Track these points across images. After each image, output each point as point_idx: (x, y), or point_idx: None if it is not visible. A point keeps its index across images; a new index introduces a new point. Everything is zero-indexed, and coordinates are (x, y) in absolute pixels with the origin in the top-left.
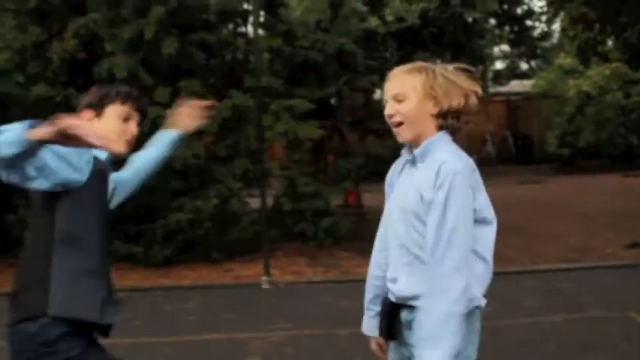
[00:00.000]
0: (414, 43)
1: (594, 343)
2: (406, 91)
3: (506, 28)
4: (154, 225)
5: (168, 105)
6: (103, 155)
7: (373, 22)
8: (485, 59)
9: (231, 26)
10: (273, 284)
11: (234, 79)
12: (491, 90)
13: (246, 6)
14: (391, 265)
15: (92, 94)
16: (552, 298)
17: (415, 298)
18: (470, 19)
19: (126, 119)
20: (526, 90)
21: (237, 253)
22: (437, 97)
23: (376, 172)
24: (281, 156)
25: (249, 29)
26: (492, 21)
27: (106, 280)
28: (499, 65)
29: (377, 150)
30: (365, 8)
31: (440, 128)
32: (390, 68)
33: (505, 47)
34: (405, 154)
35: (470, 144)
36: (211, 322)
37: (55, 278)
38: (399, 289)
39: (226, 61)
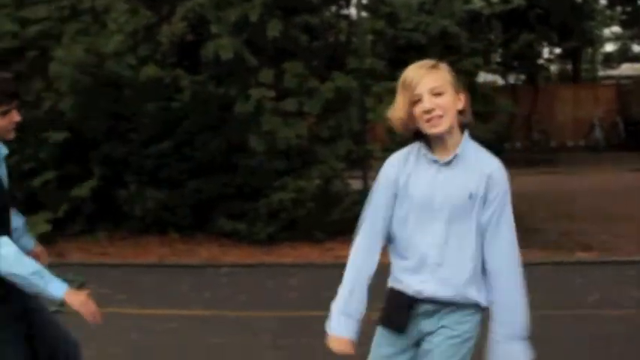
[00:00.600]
0: (520, 24)
1: None
2: (443, 85)
3: (618, 9)
4: (257, 204)
5: (272, 86)
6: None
7: (477, 3)
8: (595, 41)
9: (334, 8)
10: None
11: (337, 61)
12: (601, 73)
13: None
14: (414, 261)
15: None
16: None
17: (449, 299)
18: (579, 0)
19: (4, 114)
20: (638, 73)
21: (338, 233)
22: (460, 93)
23: None
24: (383, 137)
25: (352, 11)
26: (603, 1)
27: None
28: (610, 48)
29: (479, 133)
30: None
31: (461, 124)
32: (495, 50)
33: (617, 29)
34: (426, 154)
35: (577, 129)
36: (312, 300)
37: None
38: (432, 289)
39: (329, 43)
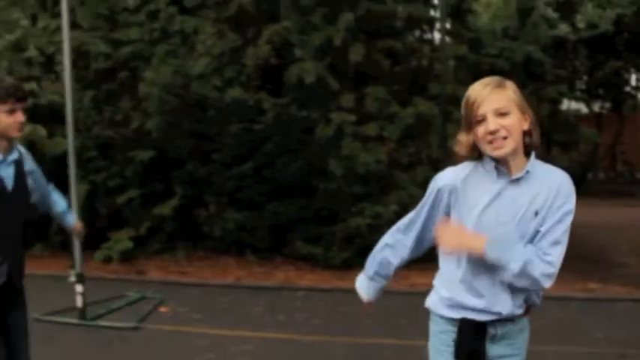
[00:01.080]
0: (607, 50)
1: None
2: (509, 105)
3: None
4: (334, 228)
5: (353, 110)
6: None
7: (564, 28)
8: None
9: (417, 33)
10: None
11: (419, 87)
12: None
13: (432, 13)
14: (478, 283)
15: None
16: None
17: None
18: None
19: (10, 112)
20: None
21: (413, 261)
22: (525, 113)
23: None
24: None
25: (435, 36)
26: None
27: None
28: None
29: (562, 163)
30: (555, 14)
31: (525, 145)
32: (580, 77)
33: None
34: (490, 169)
35: None
36: (385, 327)
37: None
38: (506, 308)
39: (411, 68)
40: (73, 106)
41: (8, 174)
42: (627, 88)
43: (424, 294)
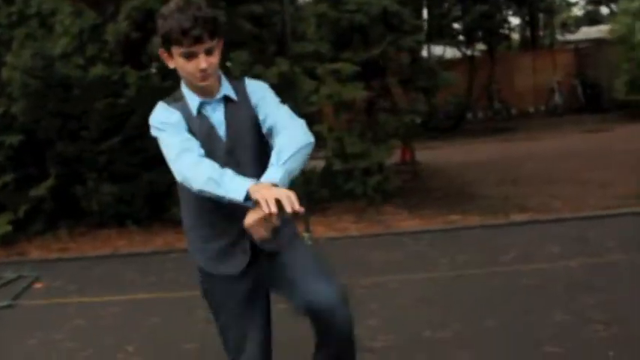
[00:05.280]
0: None
1: (599, 284)
2: None
3: None
4: None
5: None
6: None
7: None
8: (553, 9)
9: None
10: (313, 240)
11: (283, 48)
12: (560, 38)
13: None
14: None
15: None
16: (575, 245)
17: None
18: None
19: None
20: (599, 37)
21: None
22: None
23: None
24: (331, 118)
25: None
26: None
27: None
28: (579, 13)
29: (424, 107)
30: None
31: None
32: (449, 24)
33: None
34: None
35: (537, 96)
36: None
37: None
38: None
39: (275, 30)
40: None
41: None
42: (505, 31)
43: None
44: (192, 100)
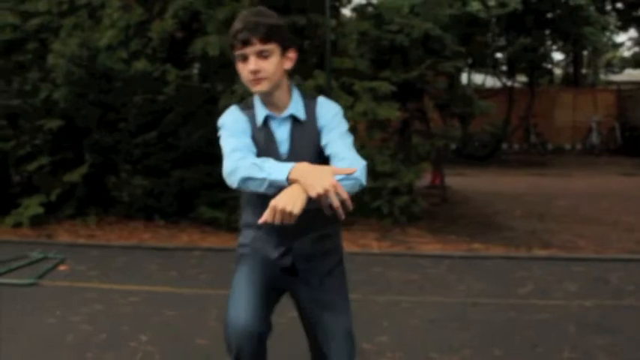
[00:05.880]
0: (519, 28)
1: (611, 327)
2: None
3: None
4: (236, 193)
5: None
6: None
7: (475, 6)
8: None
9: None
10: None
11: (323, 61)
12: (603, 77)
13: None
14: None
15: None
16: (593, 285)
17: None
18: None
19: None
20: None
21: None
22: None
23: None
24: (364, 135)
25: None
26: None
27: None
28: (626, 54)
29: (458, 132)
30: None
31: None
32: (490, 53)
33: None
34: None
35: (575, 131)
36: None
37: None
38: None
39: (316, 43)
40: None
41: None
42: (549, 65)
43: None
44: (260, 112)
